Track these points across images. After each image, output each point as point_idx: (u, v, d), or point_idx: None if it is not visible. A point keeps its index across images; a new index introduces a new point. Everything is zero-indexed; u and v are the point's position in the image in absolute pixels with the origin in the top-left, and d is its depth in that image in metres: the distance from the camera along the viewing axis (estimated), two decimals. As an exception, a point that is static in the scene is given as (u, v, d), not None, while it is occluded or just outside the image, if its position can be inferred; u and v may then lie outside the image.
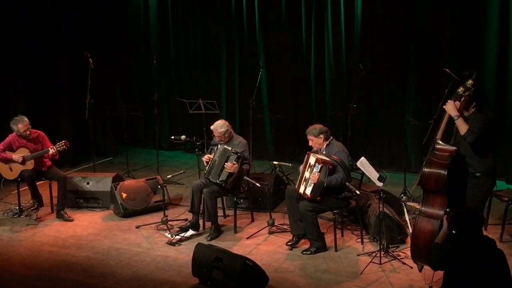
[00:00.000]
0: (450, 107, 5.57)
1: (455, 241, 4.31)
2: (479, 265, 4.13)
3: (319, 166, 6.20)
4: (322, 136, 6.52)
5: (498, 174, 6.16)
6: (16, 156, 7.61)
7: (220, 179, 6.92)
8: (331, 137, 6.62)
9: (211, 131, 7.23)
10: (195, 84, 11.20)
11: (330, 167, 6.22)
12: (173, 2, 11.04)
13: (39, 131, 7.88)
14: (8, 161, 7.65)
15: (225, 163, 6.86)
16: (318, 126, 6.58)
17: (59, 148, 7.67)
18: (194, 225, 7.12)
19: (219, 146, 7.08)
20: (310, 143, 6.62)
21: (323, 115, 9.94)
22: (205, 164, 7.18)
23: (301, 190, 6.44)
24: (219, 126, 7.12)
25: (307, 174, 6.40)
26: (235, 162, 6.87)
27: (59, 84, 10.40)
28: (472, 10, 8.68)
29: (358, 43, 9.54)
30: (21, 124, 7.62)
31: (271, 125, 10.06)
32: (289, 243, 6.66)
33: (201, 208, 7.08)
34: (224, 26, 10.65)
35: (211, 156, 7.10)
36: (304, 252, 6.42)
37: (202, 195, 6.96)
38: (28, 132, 7.67)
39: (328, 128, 6.65)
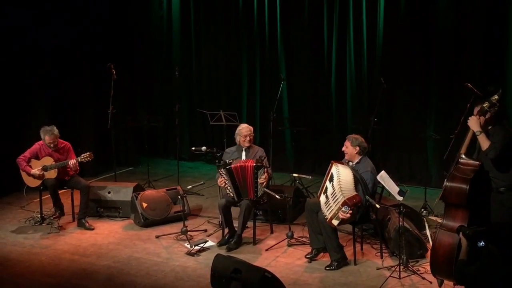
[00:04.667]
0: (473, 123, 5.58)
1: (491, 256, 4.24)
2: None
3: (349, 209, 6.08)
4: (357, 148, 6.54)
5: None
6: (35, 170, 7.72)
7: (259, 195, 7.04)
8: (365, 156, 6.63)
9: (234, 136, 7.43)
10: (216, 96, 11.26)
11: (359, 204, 6.19)
12: (196, 14, 11.12)
13: (66, 142, 7.99)
14: (28, 173, 7.78)
15: (258, 180, 6.95)
16: (360, 138, 6.60)
17: (83, 159, 7.76)
18: (232, 235, 7.16)
19: (223, 170, 7.03)
20: (344, 148, 6.64)
21: (343, 128, 9.92)
22: (224, 185, 7.15)
23: (326, 215, 6.28)
24: (249, 126, 7.41)
25: (329, 187, 6.39)
26: (265, 174, 7.01)
27: (82, 94, 10.53)
28: (495, 24, 8.65)
29: (380, 57, 9.54)
30: (48, 136, 7.73)
31: (291, 137, 10.08)
32: (308, 256, 6.65)
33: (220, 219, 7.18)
34: (246, 38, 10.72)
35: (225, 178, 7.07)
36: (327, 268, 6.37)
37: (241, 208, 7.00)
38: (52, 145, 7.78)
39: (368, 146, 6.69)
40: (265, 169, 7.04)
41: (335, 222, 6.22)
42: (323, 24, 9.93)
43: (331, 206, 6.25)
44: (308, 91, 10.34)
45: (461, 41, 8.97)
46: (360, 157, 6.57)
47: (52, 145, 7.78)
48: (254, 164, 6.95)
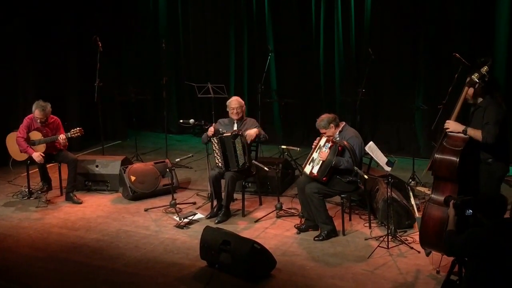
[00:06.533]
0: (453, 126, 5.45)
1: (482, 225, 4.23)
2: (509, 247, 4.06)
3: (329, 145, 6.22)
4: (332, 125, 6.49)
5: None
6: (37, 154, 7.61)
7: (241, 164, 7.01)
8: (344, 123, 6.59)
9: (226, 107, 7.37)
10: (204, 68, 11.20)
11: (339, 148, 6.24)
12: (182, -14, 11.02)
13: (55, 117, 7.90)
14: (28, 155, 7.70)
15: (237, 148, 6.96)
16: (324, 117, 6.54)
17: (73, 135, 7.69)
18: (220, 208, 7.16)
19: (214, 139, 7.09)
20: (325, 135, 6.58)
21: (331, 100, 9.92)
22: (211, 134, 7.16)
23: (308, 169, 6.45)
24: (239, 99, 7.35)
25: (315, 155, 6.42)
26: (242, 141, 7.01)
27: (68, 67, 10.43)
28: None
29: (368, 28, 9.51)
30: (38, 111, 7.60)
31: (279, 109, 10.06)
32: (298, 226, 6.68)
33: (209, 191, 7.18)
34: (233, 9, 10.63)
35: (216, 148, 7.11)
36: (316, 238, 6.40)
37: (226, 180, 7.00)
38: (39, 120, 7.68)
39: (335, 114, 6.62)
40: (242, 136, 7.01)
41: (315, 170, 6.29)
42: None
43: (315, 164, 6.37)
44: (296, 63, 10.31)
45: (449, 12, 8.94)
46: (339, 128, 6.55)
47: (39, 120, 7.69)
48: (230, 134, 6.97)
